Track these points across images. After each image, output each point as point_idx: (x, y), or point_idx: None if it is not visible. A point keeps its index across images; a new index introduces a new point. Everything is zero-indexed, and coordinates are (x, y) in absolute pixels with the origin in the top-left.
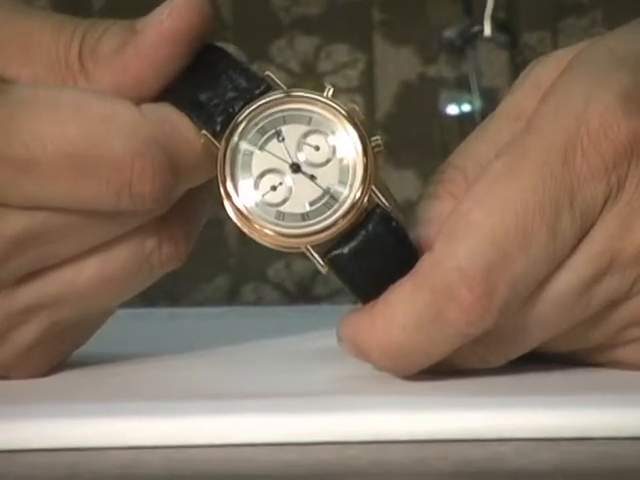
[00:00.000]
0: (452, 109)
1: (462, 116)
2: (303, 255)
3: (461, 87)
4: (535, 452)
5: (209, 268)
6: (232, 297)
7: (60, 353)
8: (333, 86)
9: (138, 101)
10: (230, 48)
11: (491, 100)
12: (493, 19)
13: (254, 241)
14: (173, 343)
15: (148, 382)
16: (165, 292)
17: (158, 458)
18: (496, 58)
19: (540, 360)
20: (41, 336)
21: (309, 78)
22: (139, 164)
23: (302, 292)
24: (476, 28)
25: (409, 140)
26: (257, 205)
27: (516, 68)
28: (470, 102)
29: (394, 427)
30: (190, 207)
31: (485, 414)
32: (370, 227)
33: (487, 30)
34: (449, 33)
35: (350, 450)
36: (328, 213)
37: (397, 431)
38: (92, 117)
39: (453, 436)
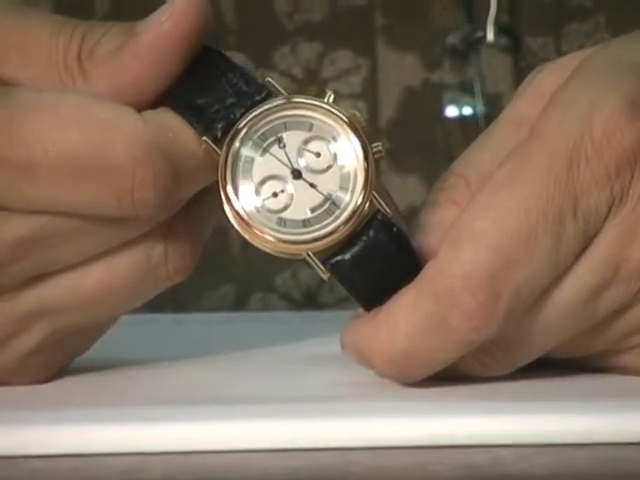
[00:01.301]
0: (455, 114)
1: (465, 121)
2: (306, 262)
3: (464, 92)
4: (535, 457)
5: (214, 276)
6: (239, 306)
7: (61, 359)
8: (336, 92)
9: (137, 103)
10: (236, 56)
11: (495, 105)
12: (496, 24)
13: (257, 249)
14: (177, 349)
15: (149, 388)
16: (170, 300)
17: (159, 464)
18: (499, 63)
19: (541, 365)
20: (42, 342)
21: (310, 84)
22: (141, 170)
23: (308, 300)
24: (479, 33)
25: (412, 146)
26: (258, 211)
27: (519, 73)
28: (473, 107)
29: (394, 432)
30: (196, 216)
31: (485, 419)
32: (371, 233)
33: (490, 35)
34: (452, 38)
35: (351, 456)
36: (329, 220)
37: (397, 436)
38: (94, 122)
39: (453, 441)
